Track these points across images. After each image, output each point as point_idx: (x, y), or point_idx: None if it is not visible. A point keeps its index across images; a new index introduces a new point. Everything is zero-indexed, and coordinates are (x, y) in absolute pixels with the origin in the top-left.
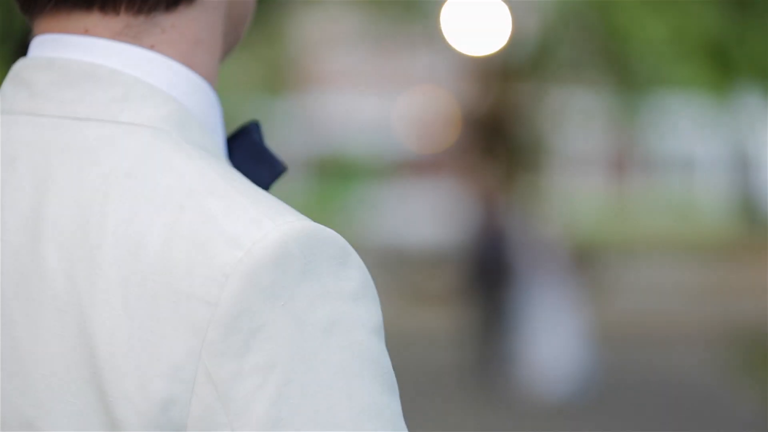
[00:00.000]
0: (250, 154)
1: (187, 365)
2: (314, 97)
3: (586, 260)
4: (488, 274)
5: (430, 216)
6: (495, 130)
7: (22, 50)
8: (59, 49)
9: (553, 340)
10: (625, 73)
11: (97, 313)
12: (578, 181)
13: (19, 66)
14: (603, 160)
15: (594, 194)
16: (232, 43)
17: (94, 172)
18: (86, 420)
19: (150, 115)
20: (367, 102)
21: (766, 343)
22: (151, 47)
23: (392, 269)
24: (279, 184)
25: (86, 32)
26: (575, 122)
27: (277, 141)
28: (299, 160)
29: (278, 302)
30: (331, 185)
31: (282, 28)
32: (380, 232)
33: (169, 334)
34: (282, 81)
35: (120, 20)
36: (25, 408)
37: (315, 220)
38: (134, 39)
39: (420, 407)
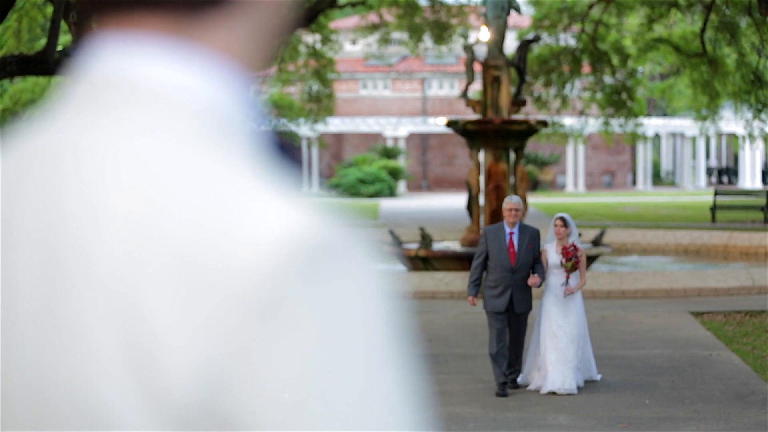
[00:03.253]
0: (279, 156)
1: (226, 341)
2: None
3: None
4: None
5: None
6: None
7: (23, 66)
8: (109, 56)
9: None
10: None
11: (146, 295)
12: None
13: (83, 75)
14: (595, 144)
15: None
16: (271, 42)
17: (141, 176)
18: (131, 394)
19: (188, 122)
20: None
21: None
22: (197, 43)
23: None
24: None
25: (135, 29)
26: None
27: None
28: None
29: (306, 290)
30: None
31: (320, 63)
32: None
33: (208, 316)
34: (320, 109)
35: (166, 17)
36: (71, 385)
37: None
38: (179, 34)
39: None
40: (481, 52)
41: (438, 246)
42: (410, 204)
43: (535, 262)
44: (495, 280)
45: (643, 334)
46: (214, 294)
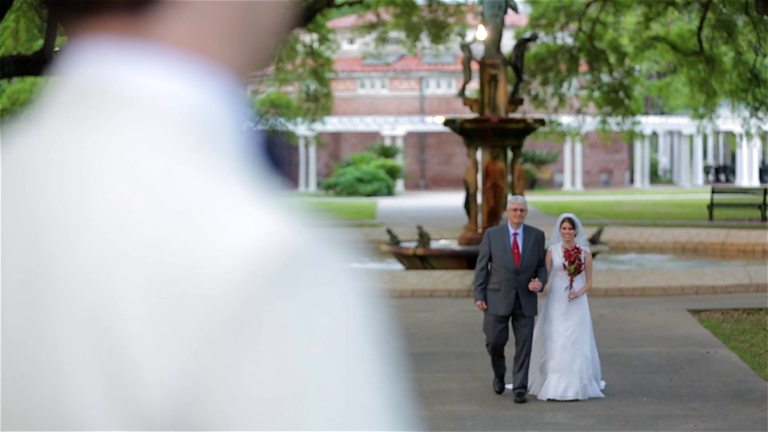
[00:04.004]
0: (265, 157)
1: (200, 350)
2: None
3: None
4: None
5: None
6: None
7: (20, 67)
8: (86, 62)
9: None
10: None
11: (119, 305)
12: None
13: (62, 81)
14: (593, 142)
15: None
16: (263, 44)
17: (117, 184)
18: (105, 406)
19: (166, 128)
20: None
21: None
22: (164, 41)
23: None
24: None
25: (100, 33)
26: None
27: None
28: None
29: (279, 301)
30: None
31: (319, 64)
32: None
33: (182, 324)
34: (319, 108)
35: (128, 17)
36: (48, 396)
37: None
38: (144, 34)
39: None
40: (479, 50)
41: (436, 245)
42: (408, 203)
43: (538, 265)
44: (498, 282)
45: (641, 332)
46: (189, 304)
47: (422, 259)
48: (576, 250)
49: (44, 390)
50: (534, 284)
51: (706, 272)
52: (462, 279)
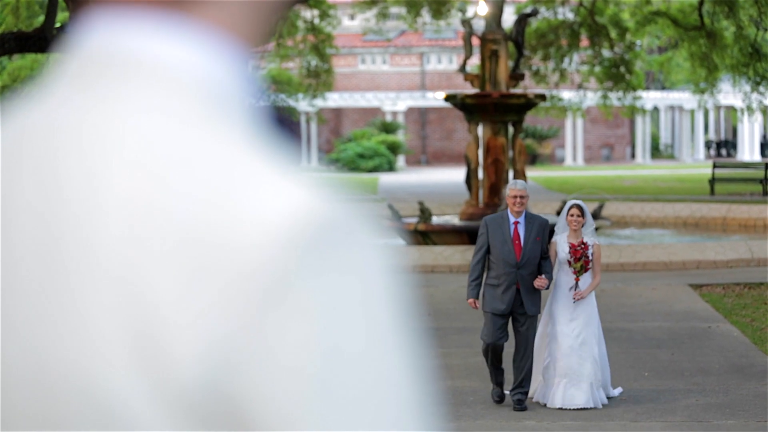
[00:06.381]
0: (278, 132)
1: (232, 321)
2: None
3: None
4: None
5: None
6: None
7: (20, 45)
8: (104, 30)
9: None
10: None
11: (150, 277)
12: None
13: (78, 50)
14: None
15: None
16: (270, 17)
17: (141, 154)
18: (138, 381)
19: (186, 97)
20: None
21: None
22: (193, 17)
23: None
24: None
25: (130, 2)
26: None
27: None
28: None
29: (311, 270)
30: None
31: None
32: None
33: (213, 290)
34: (320, 84)
35: None
36: (77, 376)
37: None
38: (174, 8)
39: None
40: (479, 26)
41: (437, 220)
42: (409, 178)
43: (542, 258)
44: (497, 277)
45: (643, 306)
46: (220, 274)
47: (423, 234)
48: (582, 246)
49: (78, 374)
50: (539, 282)
51: (707, 247)
52: (463, 255)
